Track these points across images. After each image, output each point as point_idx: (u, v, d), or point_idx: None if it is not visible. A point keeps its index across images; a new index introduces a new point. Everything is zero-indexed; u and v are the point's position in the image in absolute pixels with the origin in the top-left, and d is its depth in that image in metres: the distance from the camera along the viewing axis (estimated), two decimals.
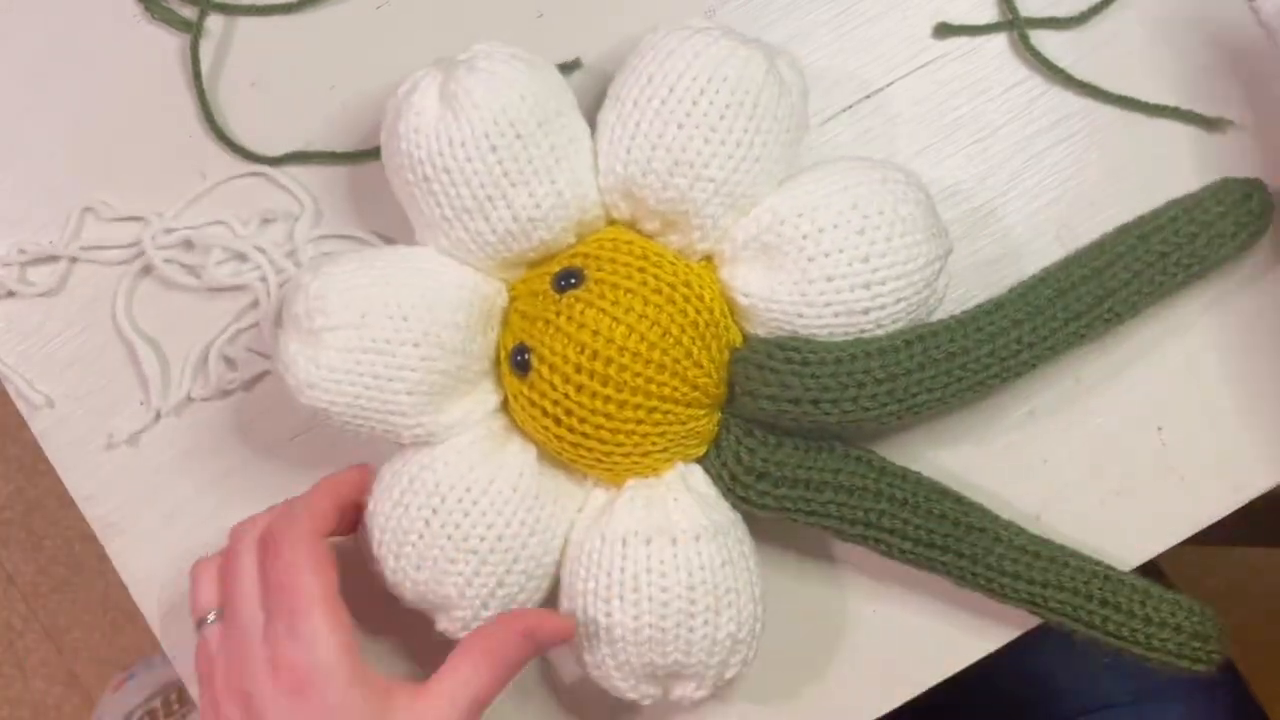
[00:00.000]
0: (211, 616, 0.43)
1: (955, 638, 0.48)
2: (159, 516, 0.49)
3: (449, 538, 0.42)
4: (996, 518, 0.45)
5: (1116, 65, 0.49)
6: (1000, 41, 0.49)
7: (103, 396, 0.50)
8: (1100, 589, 0.44)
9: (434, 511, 0.42)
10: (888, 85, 0.49)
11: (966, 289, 0.48)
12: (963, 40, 0.49)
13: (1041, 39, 0.49)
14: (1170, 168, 0.48)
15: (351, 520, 0.45)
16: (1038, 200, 0.48)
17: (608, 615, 0.42)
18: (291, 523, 0.41)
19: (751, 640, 0.44)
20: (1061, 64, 0.48)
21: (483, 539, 0.42)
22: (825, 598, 0.48)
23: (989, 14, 0.49)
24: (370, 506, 0.44)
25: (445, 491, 0.42)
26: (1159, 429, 0.48)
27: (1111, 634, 0.44)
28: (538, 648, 0.43)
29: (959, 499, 0.45)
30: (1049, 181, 0.48)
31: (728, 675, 0.43)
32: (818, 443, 0.44)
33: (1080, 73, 0.48)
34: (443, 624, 0.44)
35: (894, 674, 0.48)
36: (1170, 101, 0.48)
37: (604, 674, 0.43)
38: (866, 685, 0.48)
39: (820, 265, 0.42)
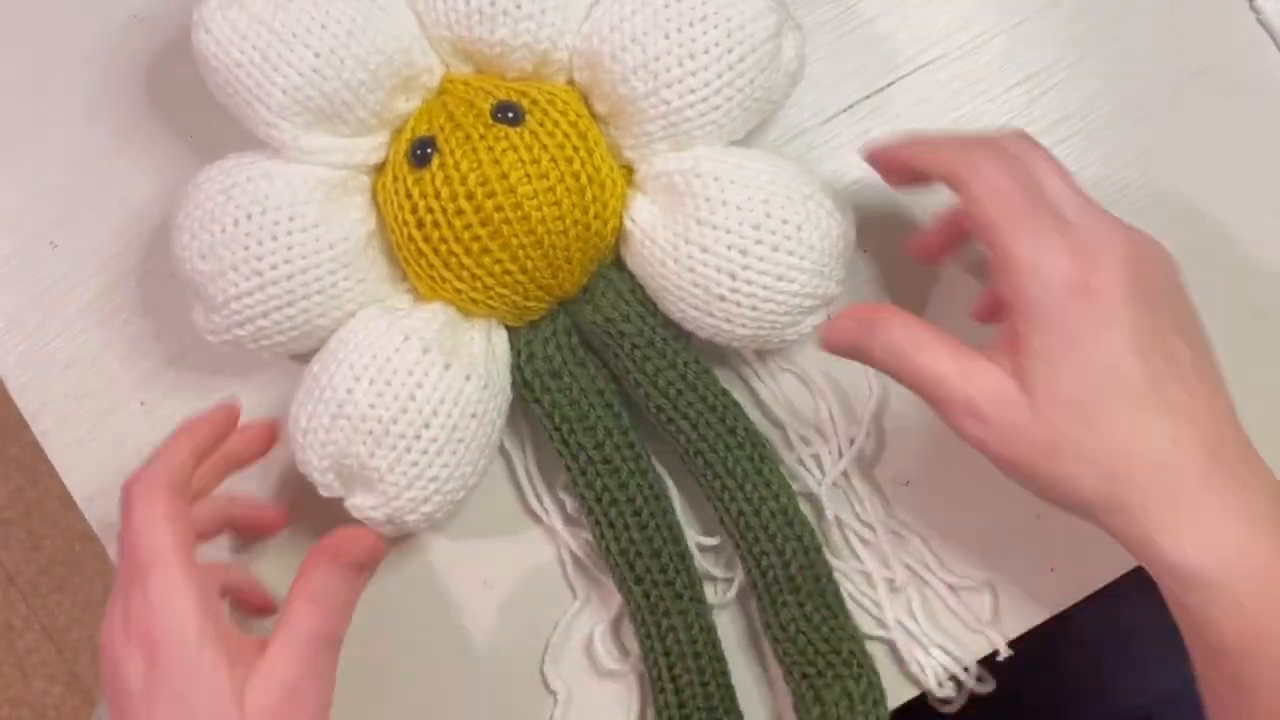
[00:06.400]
0: None
1: (961, 638, 0.48)
2: None
3: (245, 249, 0.42)
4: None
5: None
6: (1000, 41, 0.49)
7: (103, 396, 0.50)
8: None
9: (248, 218, 0.42)
10: (888, 85, 0.49)
11: (968, 288, 0.48)
12: (963, 40, 0.49)
13: (1046, 31, 0.49)
14: (1169, 167, 0.48)
15: (243, 452, 0.45)
16: None
17: (349, 391, 0.42)
18: (145, 476, 0.40)
19: (446, 500, 0.43)
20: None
21: (274, 268, 0.42)
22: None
23: (989, 14, 0.49)
24: (199, 178, 0.43)
25: (269, 207, 0.42)
26: None
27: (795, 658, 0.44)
28: (355, 572, 0.42)
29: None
30: None
31: (409, 516, 0.43)
32: (613, 400, 0.45)
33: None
34: (196, 316, 0.44)
35: (893, 674, 0.48)
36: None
37: (306, 441, 0.43)
38: None
39: (703, 232, 0.42)
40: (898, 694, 0.48)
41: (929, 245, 0.46)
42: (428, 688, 0.48)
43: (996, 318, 0.45)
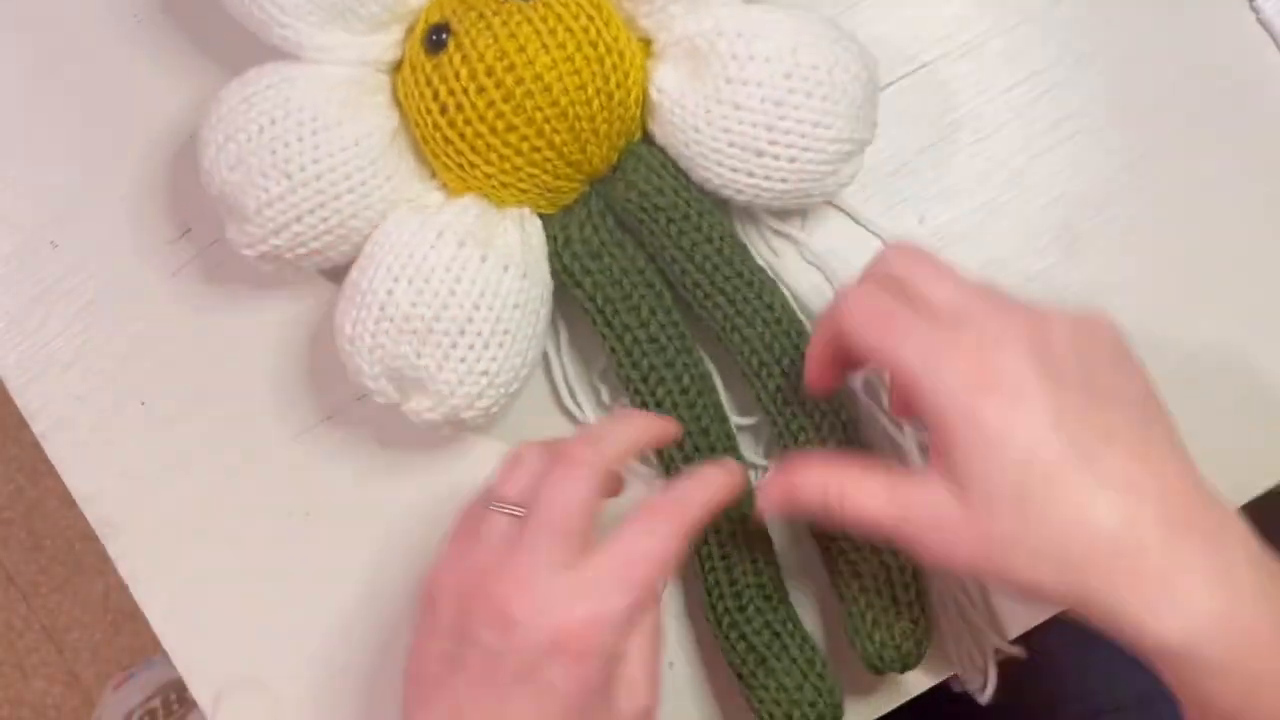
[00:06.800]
0: (506, 509, 0.39)
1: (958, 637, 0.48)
2: (159, 516, 0.49)
3: (272, 152, 0.42)
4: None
5: None
6: (1000, 42, 0.49)
7: (103, 396, 0.50)
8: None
9: (272, 122, 0.42)
10: (888, 85, 0.49)
11: None
12: (963, 40, 0.49)
13: (1046, 31, 0.49)
14: (1169, 167, 0.48)
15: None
16: (1038, 200, 0.48)
17: (389, 292, 0.42)
18: (593, 452, 0.39)
19: (500, 394, 0.44)
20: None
21: (302, 169, 0.42)
22: (825, 598, 0.48)
23: (989, 14, 0.49)
24: (220, 94, 0.44)
25: (291, 109, 0.42)
26: None
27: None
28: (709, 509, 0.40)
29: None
30: (1049, 181, 0.48)
31: (465, 414, 0.43)
32: (654, 280, 0.45)
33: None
34: (231, 233, 0.44)
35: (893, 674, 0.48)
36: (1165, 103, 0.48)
37: (354, 350, 0.43)
38: (867, 685, 0.48)
39: (734, 90, 0.42)
40: (913, 683, 0.48)
41: (819, 376, 0.43)
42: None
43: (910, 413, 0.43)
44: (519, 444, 0.41)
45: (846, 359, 0.41)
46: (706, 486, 0.40)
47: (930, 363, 0.36)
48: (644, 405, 0.45)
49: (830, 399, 0.45)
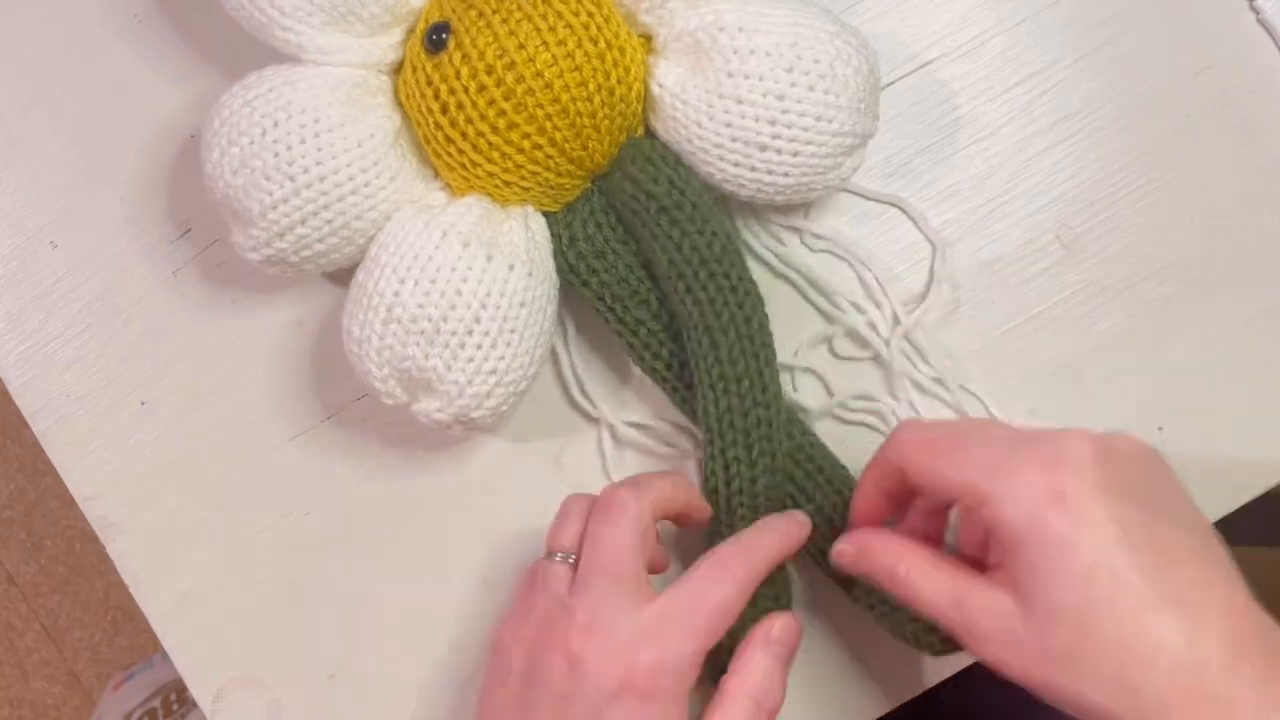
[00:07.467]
0: (559, 557, 0.41)
1: None
2: (159, 516, 0.49)
3: (275, 155, 0.42)
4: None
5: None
6: (1000, 41, 0.49)
7: (103, 396, 0.50)
8: None
9: (274, 125, 0.42)
10: (888, 85, 0.49)
11: (967, 289, 0.48)
12: (963, 40, 0.49)
13: (1046, 31, 0.49)
14: (1169, 167, 0.48)
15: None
16: (1038, 200, 0.48)
17: (395, 294, 0.42)
18: (637, 496, 0.41)
19: (509, 393, 0.44)
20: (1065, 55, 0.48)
21: (305, 171, 0.42)
22: (824, 598, 0.48)
23: (989, 14, 0.49)
24: (223, 98, 0.44)
25: (293, 111, 0.42)
26: (1159, 429, 0.48)
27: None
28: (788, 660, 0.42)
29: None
30: (1049, 181, 0.48)
31: (474, 413, 0.44)
32: (648, 269, 0.45)
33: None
34: (236, 236, 0.44)
35: (894, 674, 0.48)
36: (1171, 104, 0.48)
37: (362, 351, 0.43)
38: (866, 685, 0.48)
39: (736, 84, 0.42)
40: (925, 677, 0.48)
41: (868, 509, 0.42)
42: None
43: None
44: (567, 496, 0.43)
45: (900, 493, 0.41)
46: (774, 535, 0.42)
47: (996, 475, 0.36)
48: (675, 393, 0.46)
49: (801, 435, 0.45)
